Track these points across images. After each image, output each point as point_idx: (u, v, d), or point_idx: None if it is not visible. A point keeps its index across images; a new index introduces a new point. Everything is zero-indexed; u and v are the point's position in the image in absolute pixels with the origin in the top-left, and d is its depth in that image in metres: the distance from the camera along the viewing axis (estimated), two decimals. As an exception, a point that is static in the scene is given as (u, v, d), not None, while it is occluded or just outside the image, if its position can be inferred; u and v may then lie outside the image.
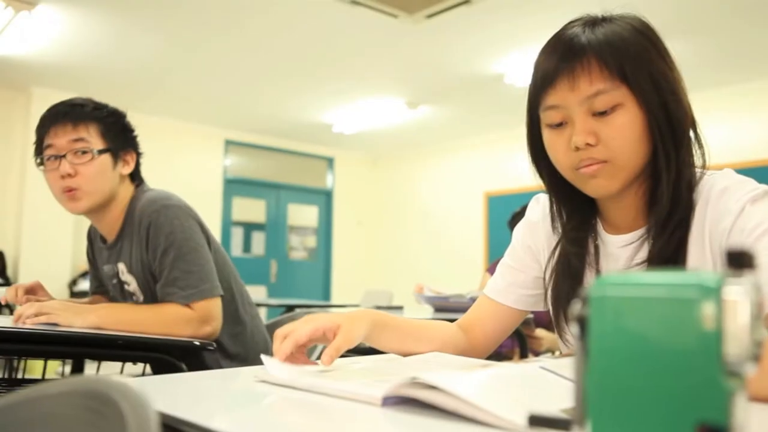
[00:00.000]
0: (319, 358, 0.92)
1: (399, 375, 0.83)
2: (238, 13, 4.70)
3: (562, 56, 0.94)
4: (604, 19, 0.97)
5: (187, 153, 7.72)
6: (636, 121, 0.93)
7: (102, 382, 0.50)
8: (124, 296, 1.80)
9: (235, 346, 1.80)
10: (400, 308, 3.02)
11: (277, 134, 8.34)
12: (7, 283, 5.83)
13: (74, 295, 6.57)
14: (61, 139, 1.71)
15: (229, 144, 8.24)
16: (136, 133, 1.85)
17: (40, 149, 1.76)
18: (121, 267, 1.78)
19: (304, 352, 0.95)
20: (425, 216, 8.83)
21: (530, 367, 0.77)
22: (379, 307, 2.56)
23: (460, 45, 5.25)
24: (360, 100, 6.78)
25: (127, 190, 1.80)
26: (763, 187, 0.94)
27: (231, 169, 8.31)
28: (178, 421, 0.56)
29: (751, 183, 0.94)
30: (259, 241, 8.59)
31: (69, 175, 1.70)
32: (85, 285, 6.52)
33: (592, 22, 0.97)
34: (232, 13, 4.70)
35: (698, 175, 0.98)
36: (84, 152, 1.71)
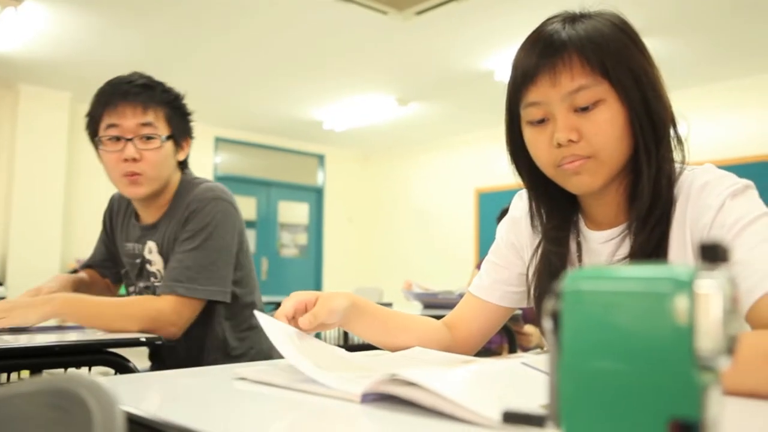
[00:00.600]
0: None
1: (380, 371, 0.82)
2: (227, 11, 4.67)
3: (543, 52, 0.94)
4: (583, 16, 0.97)
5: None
6: (618, 117, 0.93)
7: (71, 380, 0.49)
8: (141, 276, 1.76)
9: (242, 347, 1.78)
10: (389, 305, 3.02)
11: (268, 131, 8.31)
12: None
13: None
14: (129, 120, 1.62)
15: (219, 141, 8.22)
16: (191, 117, 1.79)
17: (95, 126, 1.65)
18: (151, 245, 1.72)
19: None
20: (416, 213, 8.83)
21: (512, 363, 0.76)
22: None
23: (450, 42, 5.25)
24: (350, 97, 6.76)
25: (177, 175, 1.76)
26: (743, 181, 0.94)
27: (221, 167, 8.28)
28: (147, 418, 0.55)
29: (731, 177, 0.94)
30: (249, 238, 8.55)
31: (134, 160, 1.62)
32: (74, 283, 6.47)
33: (571, 19, 0.96)
34: (222, 11, 4.67)
35: (678, 170, 0.98)
36: (150, 138, 1.64)
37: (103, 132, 1.64)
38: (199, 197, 1.65)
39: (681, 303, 0.37)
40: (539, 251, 1.10)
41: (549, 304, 0.43)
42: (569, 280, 0.41)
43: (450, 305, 2.74)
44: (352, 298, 1.03)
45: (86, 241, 7.08)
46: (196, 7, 4.65)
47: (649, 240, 0.95)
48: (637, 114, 0.93)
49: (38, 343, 1.38)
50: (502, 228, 1.22)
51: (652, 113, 0.94)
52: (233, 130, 8.22)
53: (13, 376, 1.93)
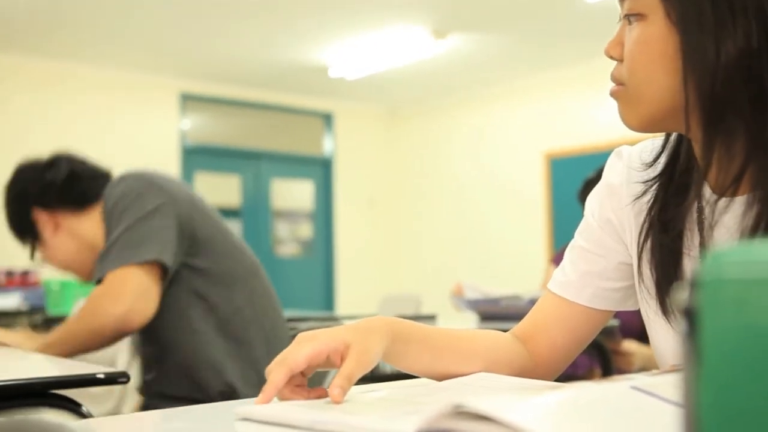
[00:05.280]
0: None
1: (433, 403, 0.83)
2: None
3: None
4: None
5: (129, 113, 7.74)
6: (658, 40, 1.01)
7: (35, 426, 0.50)
8: None
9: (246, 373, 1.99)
10: (431, 318, 3.03)
11: (253, 83, 8.33)
12: None
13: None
14: None
15: (187, 99, 8.27)
16: (30, 191, 2.14)
17: None
18: None
19: (305, 384, 0.96)
20: (461, 189, 8.82)
21: (617, 386, 0.76)
22: (404, 318, 2.57)
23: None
24: (367, 30, 6.75)
25: (80, 221, 2.13)
26: None
27: (191, 134, 8.34)
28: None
29: None
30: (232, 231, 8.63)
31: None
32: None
33: None
34: None
35: None
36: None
37: None
38: (108, 194, 2.04)
39: None
40: (646, 219, 1.10)
41: (680, 298, 0.43)
42: (710, 265, 0.41)
43: (517, 315, 2.72)
44: (390, 329, 1.02)
45: (8, 242, 7.15)
46: None
47: None
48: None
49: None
50: (594, 200, 1.22)
51: None
52: (205, 83, 8.25)
53: None
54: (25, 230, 2.15)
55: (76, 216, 2.11)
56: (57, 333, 1.92)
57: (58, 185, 2.11)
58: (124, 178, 2.05)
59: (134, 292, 1.85)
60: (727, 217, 1.04)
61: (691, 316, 0.42)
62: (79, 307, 1.98)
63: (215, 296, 1.99)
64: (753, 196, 0.99)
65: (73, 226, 2.10)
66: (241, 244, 2.19)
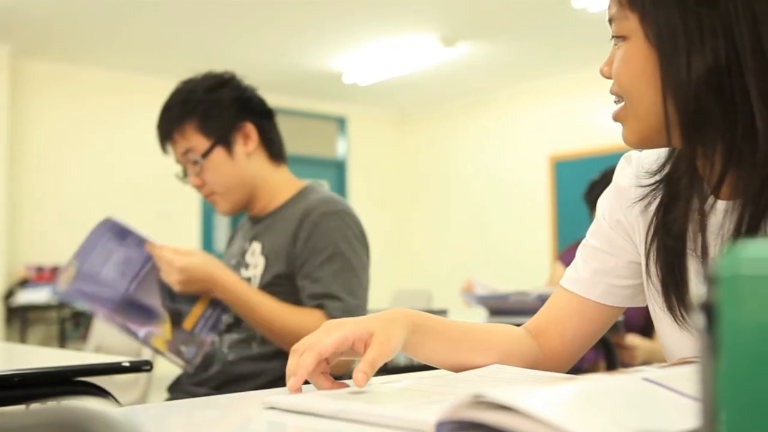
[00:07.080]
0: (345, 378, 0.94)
1: (453, 394, 0.84)
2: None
3: None
4: None
5: (146, 118, 7.67)
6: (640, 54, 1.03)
7: (76, 413, 0.50)
8: None
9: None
10: (443, 312, 3.03)
11: (270, 89, 8.21)
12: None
13: (12, 311, 6.68)
14: (176, 153, 2.05)
15: (207, 104, 8.25)
16: (247, 94, 2.08)
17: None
18: (255, 246, 2.04)
19: (327, 371, 0.98)
20: (470, 190, 8.81)
21: (629, 378, 0.77)
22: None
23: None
24: (378, 38, 6.75)
25: (266, 167, 2.09)
26: None
27: (210, 138, 8.34)
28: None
29: None
30: (251, 231, 8.63)
31: (200, 187, 2.04)
32: (26, 297, 6.61)
33: None
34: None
35: None
36: (196, 161, 1.99)
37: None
38: (320, 210, 1.97)
39: None
40: (653, 222, 1.11)
41: (698, 295, 0.43)
42: (727, 261, 0.41)
43: (525, 311, 2.75)
44: (411, 321, 1.04)
45: (38, 240, 7.19)
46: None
47: (763, 215, 0.97)
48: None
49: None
50: (604, 202, 1.23)
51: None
52: (224, 89, 8.25)
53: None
54: (222, 129, 1.99)
55: (267, 158, 2.09)
56: (272, 304, 1.85)
57: (273, 117, 2.13)
58: (344, 214, 2.00)
59: None
60: (713, 221, 1.05)
61: (708, 311, 0.42)
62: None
63: None
64: (732, 204, 1.02)
65: (262, 164, 2.07)
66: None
